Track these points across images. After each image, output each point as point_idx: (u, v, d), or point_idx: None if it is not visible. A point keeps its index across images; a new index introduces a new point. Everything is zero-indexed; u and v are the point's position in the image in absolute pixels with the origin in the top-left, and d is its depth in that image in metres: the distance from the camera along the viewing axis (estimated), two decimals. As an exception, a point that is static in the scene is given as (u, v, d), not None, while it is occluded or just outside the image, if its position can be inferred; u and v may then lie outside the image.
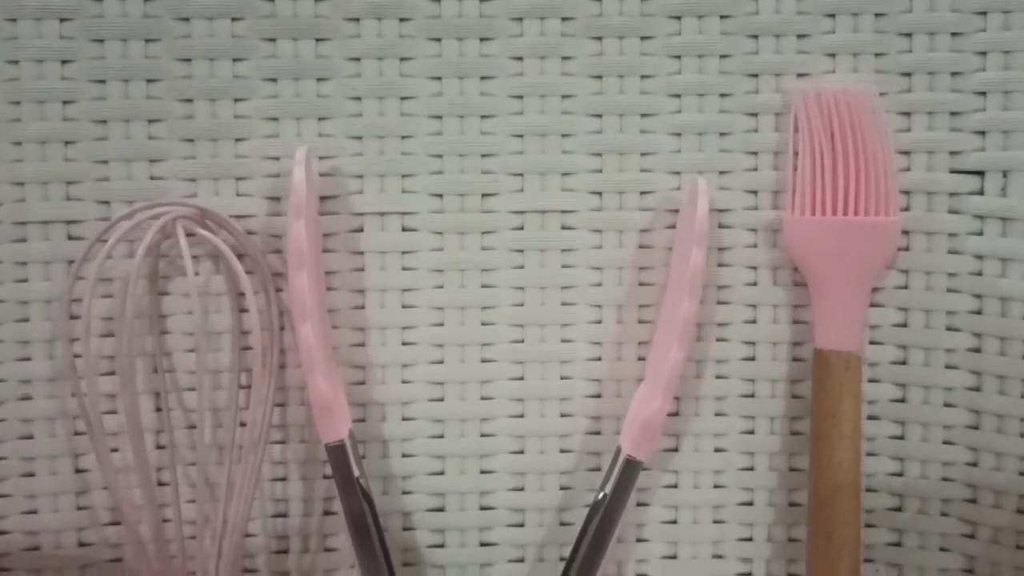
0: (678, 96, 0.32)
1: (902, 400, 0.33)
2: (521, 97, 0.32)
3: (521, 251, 0.33)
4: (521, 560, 0.34)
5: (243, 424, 0.32)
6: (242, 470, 0.32)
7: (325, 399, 0.30)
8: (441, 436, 0.33)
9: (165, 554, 0.32)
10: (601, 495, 0.32)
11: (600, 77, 0.32)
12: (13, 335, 0.31)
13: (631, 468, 0.31)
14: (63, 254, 0.31)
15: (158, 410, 0.32)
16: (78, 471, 0.32)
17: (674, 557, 0.34)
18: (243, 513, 0.32)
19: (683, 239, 0.32)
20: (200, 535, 0.32)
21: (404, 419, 0.33)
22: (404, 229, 0.32)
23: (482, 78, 0.32)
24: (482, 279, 0.33)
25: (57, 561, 0.32)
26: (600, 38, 0.32)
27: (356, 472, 0.31)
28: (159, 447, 0.32)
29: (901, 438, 0.33)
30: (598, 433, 0.33)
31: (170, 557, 0.32)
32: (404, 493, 0.33)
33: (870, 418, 0.33)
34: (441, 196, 0.32)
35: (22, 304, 0.31)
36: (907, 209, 0.32)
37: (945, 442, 0.33)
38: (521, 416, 0.33)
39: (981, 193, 0.32)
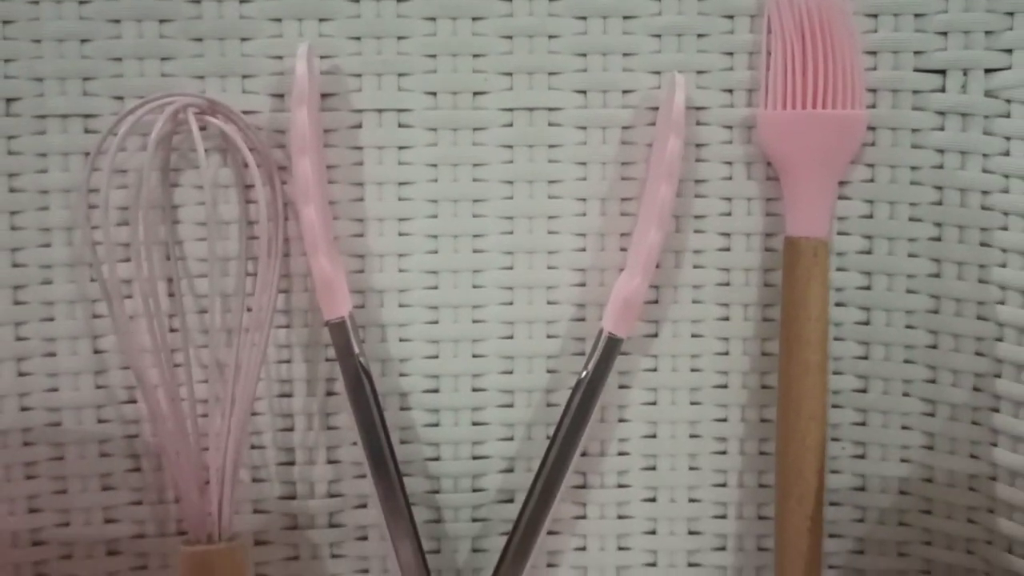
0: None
1: (867, 287, 0.35)
2: (510, 0, 0.34)
3: (511, 147, 0.35)
4: (511, 439, 0.36)
5: (250, 309, 0.34)
6: (249, 352, 0.34)
7: (327, 277, 0.32)
8: (436, 322, 0.35)
9: (181, 430, 0.34)
10: (584, 374, 0.34)
11: (585, -20, 0.34)
12: (34, 223, 0.34)
13: (611, 345, 0.34)
14: (80, 146, 0.33)
15: (171, 295, 0.35)
16: (96, 352, 0.34)
17: (654, 436, 0.36)
18: (250, 392, 0.34)
19: (662, 133, 0.34)
20: (212, 413, 0.34)
21: (401, 306, 0.35)
22: (400, 125, 0.34)
23: (473, -19, 0.34)
24: (474, 174, 0.35)
25: (78, 436, 0.35)
26: (585, -57, 0.34)
27: (356, 350, 0.33)
28: (172, 331, 0.35)
29: (866, 323, 0.36)
30: (582, 320, 0.36)
31: (185, 433, 0.34)
32: (401, 375, 0.36)
33: (837, 304, 0.35)
34: (435, 94, 0.34)
35: (42, 194, 0.34)
36: (873, 106, 0.34)
37: (907, 326, 0.35)
38: (510, 303, 0.35)
39: (943, 91, 0.34)
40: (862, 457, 0.37)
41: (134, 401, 0.35)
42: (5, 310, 0.34)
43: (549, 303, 0.35)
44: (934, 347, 0.35)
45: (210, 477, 0.33)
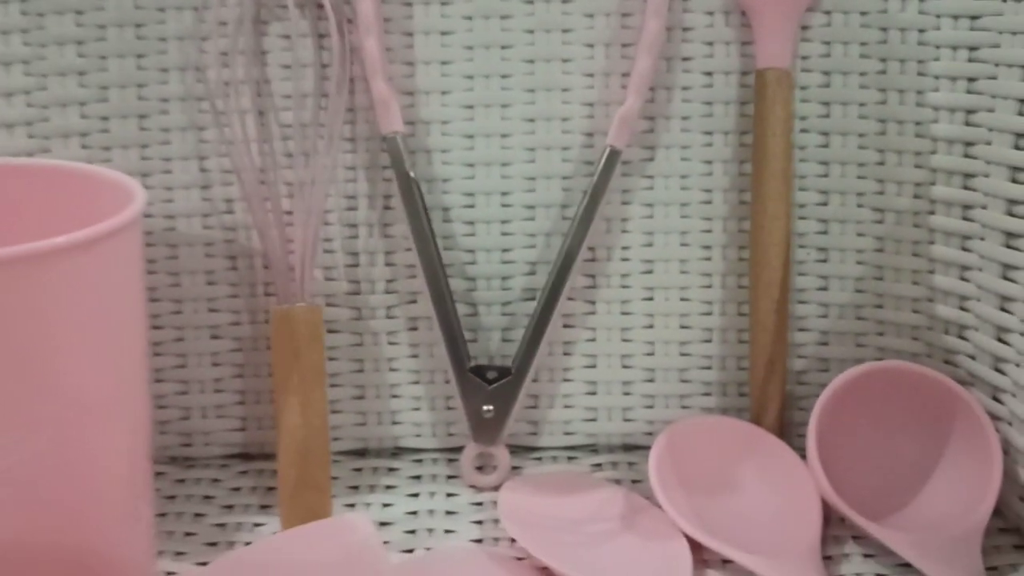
0: None
1: (826, 116, 0.43)
2: None
3: (531, 2, 0.42)
4: (533, 247, 0.44)
5: (322, 137, 0.43)
6: (323, 170, 0.42)
7: (384, 96, 0.40)
8: (471, 148, 0.44)
9: (275, 223, 0.42)
10: (590, 184, 0.42)
11: None
12: (155, 64, 0.42)
13: (612, 156, 0.41)
14: (191, 2, 0.42)
15: (259, 125, 0.43)
16: (202, 170, 0.43)
17: (650, 245, 0.44)
18: (321, 204, 0.42)
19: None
20: (293, 222, 0.43)
21: (443, 135, 0.43)
22: (443, -14, 0.43)
23: None
24: (501, 25, 0.42)
25: (187, 239, 0.44)
26: None
27: (408, 164, 0.41)
28: (261, 153, 0.43)
29: (826, 146, 0.43)
30: (591, 146, 0.43)
31: (278, 222, 0.43)
32: (443, 193, 0.44)
33: (801, 131, 0.43)
34: (470, -40, 0.42)
35: (161, 40, 0.42)
36: (829, -38, 0.42)
37: (860, 147, 0.43)
38: (532, 133, 0.43)
39: (887, -53, 0.41)
40: (824, 261, 0.44)
41: (232, 212, 0.44)
42: (130, 135, 0.43)
43: (564, 132, 0.43)
44: (882, 163, 0.42)
45: (295, 250, 0.42)
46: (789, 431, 0.45)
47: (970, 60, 0.40)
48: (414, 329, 0.45)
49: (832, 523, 0.41)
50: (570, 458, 0.46)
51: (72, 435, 0.31)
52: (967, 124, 0.40)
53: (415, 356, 0.45)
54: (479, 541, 0.41)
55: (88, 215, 0.32)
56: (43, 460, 0.30)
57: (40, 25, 0.41)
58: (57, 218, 0.34)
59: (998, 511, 0.40)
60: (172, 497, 0.44)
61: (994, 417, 0.40)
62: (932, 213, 0.42)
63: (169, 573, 0.38)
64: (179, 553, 0.40)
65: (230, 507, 0.43)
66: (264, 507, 0.43)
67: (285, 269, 0.42)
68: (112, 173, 0.36)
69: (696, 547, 0.38)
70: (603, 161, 0.42)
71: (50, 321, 0.29)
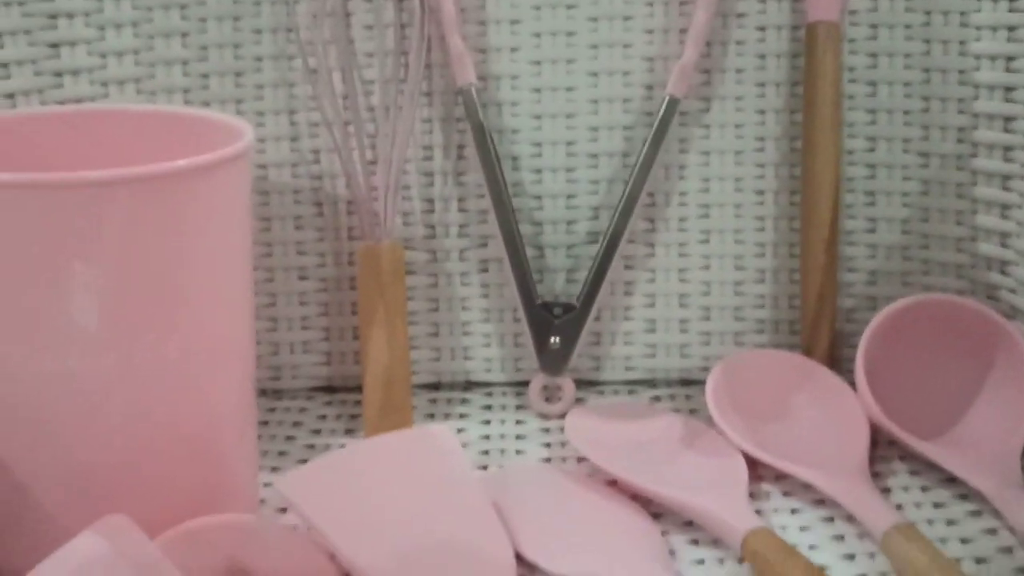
0: None
1: (873, 66, 0.45)
2: None
3: (595, -36, 0.46)
4: (596, 192, 0.48)
5: (402, 92, 0.46)
6: (404, 121, 0.45)
7: (460, 50, 0.44)
8: (539, 101, 0.47)
9: (356, 182, 0.46)
10: (650, 132, 0.45)
11: None
12: (249, 26, 0.46)
13: (671, 105, 0.44)
14: (283, -31, 0.46)
15: (344, 81, 0.46)
16: (291, 124, 0.47)
17: (707, 191, 0.47)
18: (402, 154, 0.46)
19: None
20: (377, 170, 0.46)
21: (513, 88, 0.47)
22: (513, -50, 0.46)
23: None
24: (568, -12, 0.46)
25: (278, 187, 0.47)
26: None
27: (481, 115, 0.45)
28: (346, 108, 0.47)
29: (873, 95, 0.46)
30: (651, 98, 0.46)
31: (359, 184, 0.46)
32: (512, 143, 0.47)
33: (850, 81, 0.46)
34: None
35: (256, 4, 0.46)
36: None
37: (905, 95, 0.45)
38: (596, 86, 0.47)
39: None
40: (872, 204, 0.47)
41: (318, 162, 0.47)
42: (227, 91, 0.46)
43: (625, 85, 0.46)
44: (926, 110, 0.45)
45: (379, 195, 0.45)
46: (839, 366, 0.47)
47: (1010, 10, 0.43)
48: (485, 271, 0.49)
49: (879, 446, 0.43)
50: (630, 392, 0.49)
51: (197, 343, 0.35)
52: (1008, 71, 0.43)
53: (486, 296, 0.49)
54: (547, 461, 0.44)
55: (205, 152, 0.36)
56: (172, 365, 0.34)
57: (148, -10, 0.46)
58: (178, 157, 0.37)
59: (1038, 434, 0.43)
60: (264, 423, 0.47)
61: (1034, 346, 0.42)
62: (974, 156, 0.44)
63: (267, 484, 0.42)
64: (274, 468, 0.44)
65: (317, 431, 0.47)
66: (349, 431, 0.47)
67: (369, 213, 0.46)
68: (223, 116, 0.40)
69: (752, 464, 0.41)
70: (663, 109, 0.45)
71: (181, 235, 0.33)
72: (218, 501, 0.37)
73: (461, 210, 0.48)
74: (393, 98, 0.46)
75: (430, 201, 0.48)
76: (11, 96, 0.43)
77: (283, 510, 0.40)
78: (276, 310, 0.49)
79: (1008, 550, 0.37)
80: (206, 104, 0.46)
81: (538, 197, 0.48)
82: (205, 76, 0.46)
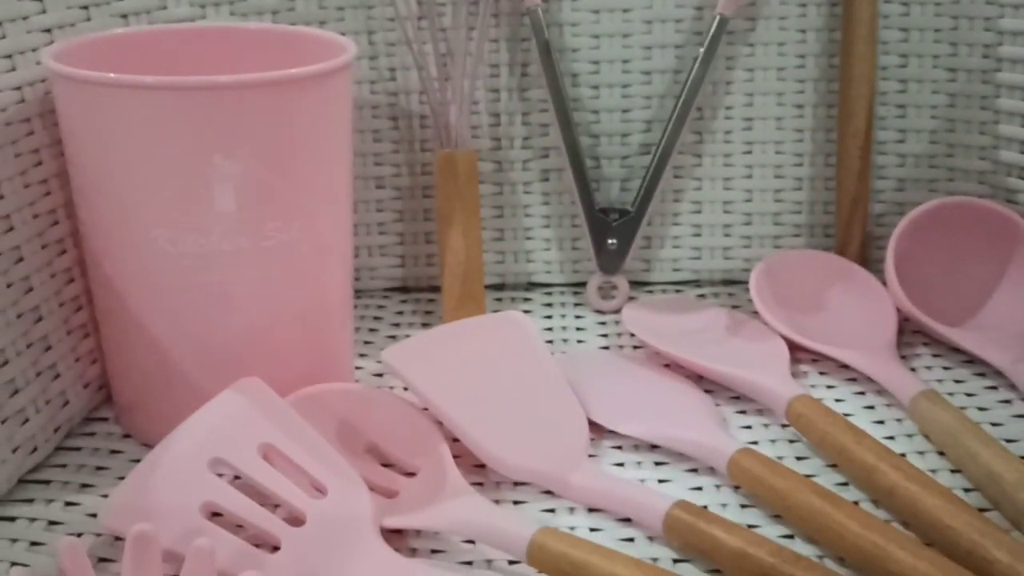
0: None
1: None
2: None
3: None
4: (649, 107, 0.52)
5: (472, 14, 0.50)
6: (475, 40, 0.49)
7: (530, -27, 0.48)
8: (597, 22, 0.51)
9: (433, 96, 0.50)
10: (701, 51, 0.49)
11: None
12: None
13: (721, 23, 0.48)
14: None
15: (419, 4, 0.50)
16: (370, 43, 0.51)
17: (750, 105, 0.51)
18: (474, 68, 0.50)
19: None
20: (450, 87, 0.50)
21: (573, 11, 0.51)
22: None
23: None
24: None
25: (358, 102, 0.52)
26: None
27: (546, 33, 0.49)
28: (421, 28, 0.51)
29: (906, 15, 0.50)
30: (701, 19, 0.50)
31: (434, 98, 0.50)
32: (572, 61, 0.51)
33: (886, 2, 0.49)
34: None
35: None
36: None
37: (936, 15, 0.49)
38: (650, 7, 0.50)
39: None
40: (903, 116, 0.51)
41: (395, 79, 0.52)
42: (312, 14, 0.50)
43: (677, 6, 0.50)
44: (955, 28, 0.49)
45: (450, 109, 0.49)
46: (869, 266, 0.52)
47: (1036, -65, 0.46)
48: (546, 180, 0.53)
49: (906, 334, 0.48)
50: (677, 291, 0.54)
51: (312, 231, 0.39)
52: (1032, -9, 0.47)
53: (546, 203, 0.53)
54: (606, 349, 0.49)
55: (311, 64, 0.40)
56: (292, 248, 0.39)
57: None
58: (289, 68, 0.41)
59: (1050, 323, 0.47)
60: (348, 318, 0.53)
61: (1048, 243, 0.47)
62: (999, 71, 0.48)
63: (358, 368, 0.47)
64: (362, 355, 0.49)
65: (396, 324, 0.52)
66: (424, 325, 0.52)
67: (443, 125, 0.50)
68: (327, 33, 0.44)
69: (791, 349, 0.46)
70: (713, 28, 0.49)
71: (302, 133, 0.38)
72: (325, 374, 0.42)
73: (524, 123, 0.52)
74: (464, 19, 0.50)
75: (496, 115, 0.53)
76: (124, 16, 0.47)
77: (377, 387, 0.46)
78: (357, 216, 0.53)
79: (1021, 416, 0.42)
80: (292, 24, 0.51)
81: (595, 111, 0.52)
82: (292, -1, 0.51)
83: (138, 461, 0.37)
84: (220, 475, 0.36)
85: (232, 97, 0.36)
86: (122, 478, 0.37)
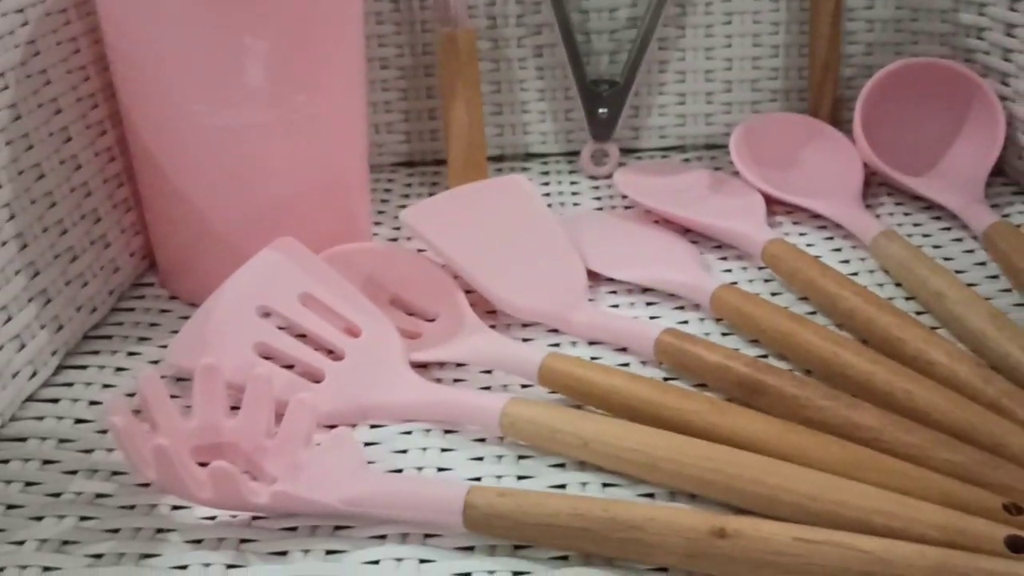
0: None
1: None
2: None
3: None
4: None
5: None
6: None
7: None
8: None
9: None
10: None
11: None
12: None
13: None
14: None
15: None
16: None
17: (729, -23, 0.55)
18: None
19: None
20: None
21: None
22: None
23: None
24: None
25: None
26: None
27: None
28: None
29: None
30: None
31: None
32: (562, -59, 0.54)
33: None
34: None
35: None
36: None
37: None
38: None
39: None
40: (871, -17, 0.54)
41: None
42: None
43: None
44: None
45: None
46: (840, 126, 0.56)
47: None
48: (539, 56, 0.57)
49: (872, 186, 0.53)
50: (664, 156, 0.59)
51: (334, 104, 0.44)
52: None
53: (541, 78, 0.57)
54: (600, 210, 0.54)
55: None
56: (318, 120, 0.43)
57: None
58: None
59: (1003, 171, 0.52)
60: (361, 191, 0.57)
61: (1002, 98, 0.51)
62: (959, -64, 0.52)
63: (374, 234, 0.52)
64: (376, 223, 0.53)
65: (406, 195, 0.56)
66: (432, 195, 0.56)
67: (443, 7, 0.53)
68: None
69: (768, 202, 0.51)
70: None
71: (322, 11, 0.41)
72: (348, 236, 0.47)
73: (518, 2, 0.56)
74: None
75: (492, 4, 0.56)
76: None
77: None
78: (363, 96, 0.57)
79: (971, 251, 0.47)
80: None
81: (585, 34, 0.56)
82: None
83: (186, 318, 0.42)
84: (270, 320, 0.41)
85: (256, -20, 0.39)
86: (175, 332, 0.42)
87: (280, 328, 0.41)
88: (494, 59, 0.57)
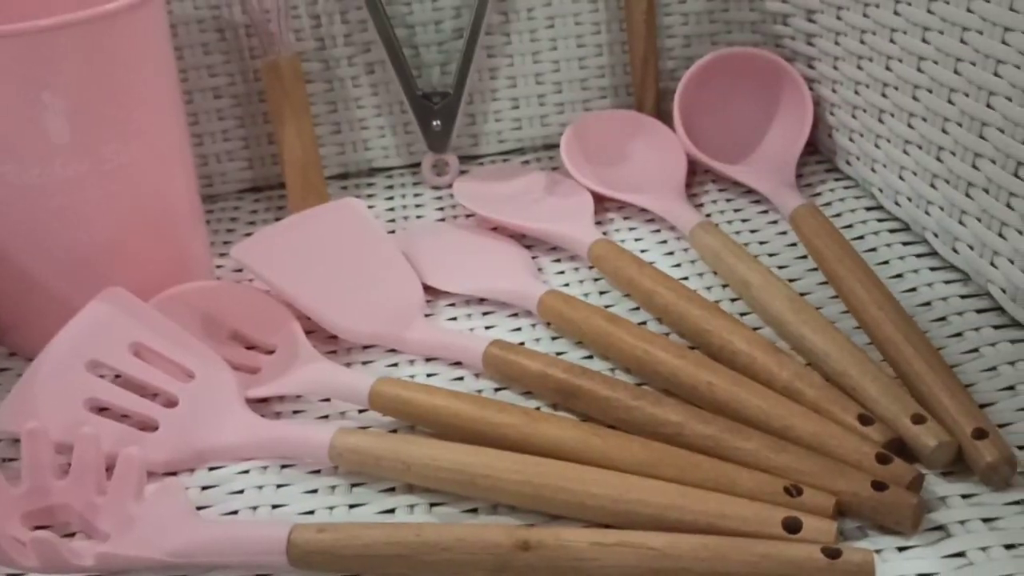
0: None
1: None
2: None
3: None
4: None
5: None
6: None
7: None
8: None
9: (251, 5, 0.53)
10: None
11: None
12: None
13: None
14: None
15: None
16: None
17: (547, -18, 0.56)
18: None
19: None
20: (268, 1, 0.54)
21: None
22: None
23: None
24: None
25: (183, 19, 0.55)
26: None
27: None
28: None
29: None
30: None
31: (254, 7, 0.53)
32: (380, -42, 0.55)
33: None
34: None
35: None
36: None
37: None
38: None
39: None
40: (681, -21, 0.56)
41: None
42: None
43: None
44: None
45: (271, 16, 0.53)
46: (665, 118, 0.58)
47: None
48: (372, 72, 0.57)
49: (698, 174, 0.55)
50: (504, 160, 0.60)
51: (149, 147, 0.44)
52: None
53: (375, 94, 0.58)
54: (442, 220, 0.55)
55: None
56: (132, 166, 0.43)
57: None
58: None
59: (815, 149, 0.55)
60: (207, 222, 0.57)
61: (808, 80, 0.53)
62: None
63: (219, 266, 0.52)
64: (222, 255, 0.54)
65: (252, 223, 0.57)
66: (278, 219, 0.56)
67: (266, 33, 0.53)
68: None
69: (599, 199, 0.53)
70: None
71: (121, 61, 0.42)
72: (185, 275, 0.47)
73: (344, 21, 0.56)
74: (270, -71, 0.53)
75: (316, 17, 0.56)
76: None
77: (236, 282, 0.51)
78: (200, 127, 0.57)
79: (784, 233, 0.49)
80: (106, -49, 0.53)
81: (407, 3, 0.56)
82: (101, -74, 0.53)
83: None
84: (102, 376, 0.41)
85: (48, 39, 0.39)
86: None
87: (117, 377, 0.42)
88: (327, 79, 0.58)
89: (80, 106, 0.41)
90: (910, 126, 0.46)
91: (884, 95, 0.47)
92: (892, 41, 0.46)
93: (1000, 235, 0.40)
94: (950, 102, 0.42)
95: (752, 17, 0.56)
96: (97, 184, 0.42)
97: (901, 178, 0.47)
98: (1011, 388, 0.38)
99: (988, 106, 0.40)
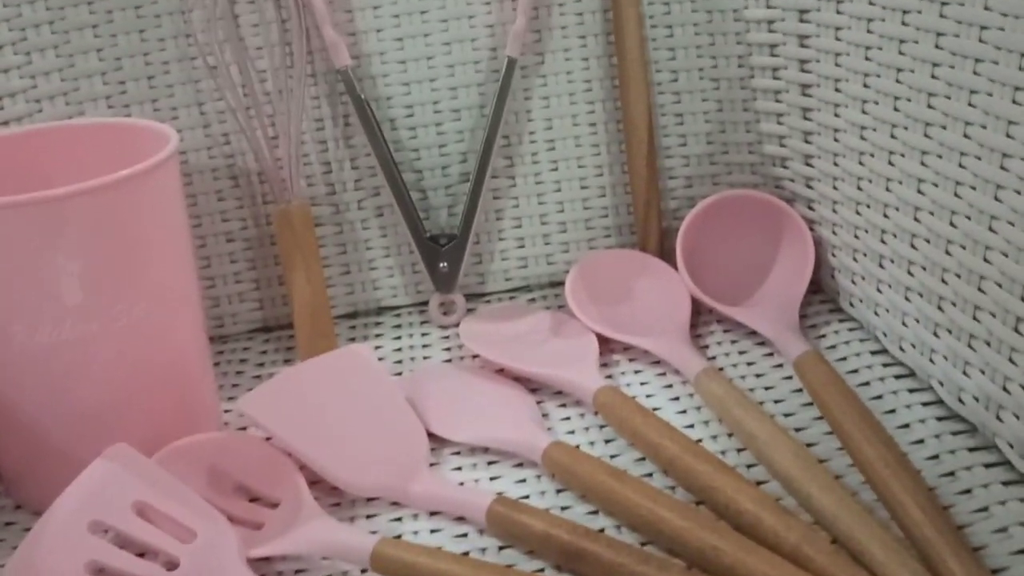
0: None
1: (668, 12, 0.56)
2: None
3: (435, -48, 0.55)
4: (462, 140, 0.58)
5: (291, 77, 0.55)
6: (295, 101, 0.54)
7: (332, 38, 0.53)
8: (405, 71, 0.56)
9: (263, 156, 0.55)
10: (497, 88, 0.55)
11: None
12: (154, 36, 0.54)
13: (511, 64, 0.55)
14: (174, -16, 0.54)
15: (241, 73, 0.55)
16: (201, 114, 0.56)
17: (550, 128, 0.58)
18: (298, 127, 0.55)
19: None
20: (279, 144, 0.55)
21: (382, 63, 0.56)
22: (365, -52, 0.55)
23: None
24: (415, -28, 0.55)
25: (198, 168, 0.56)
26: None
27: (359, 88, 0.54)
28: (245, 95, 0.55)
29: (671, 36, 0.56)
30: (496, 58, 0.56)
31: (265, 157, 0.55)
32: (388, 108, 0.57)
33: (652, 26, 0.56)
34: (384, -75, 0.54)
35: (156, 17, 0.54)
36: None
37: (696, 34, 0.56)
38: (450, 53, 0.57)
39: None
40: (681, 123, 0.58)
41: (229, 143, 0.56)
42: (143, 93, 0.55)
43: (474, 50, 0.57)
44: (712, 44, 0.56)
45: (283, 164, 0.55)
46: (668, 256, 0.59)
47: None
48: (380, 215, 0.59)
49: (702, 314, 0.56)
50: (511, 298, 0.61)
51: (158, 303, 0.45)
52: (768, 7, 0.54)
53: (384, 236, 0.59)
54: (448, 361, 0.55)
55: (137, 156, 0.45)
56: (142, 322, 0.44)
57: (62, 16, 0.53)
58: (117, 162, 0.46)
59: (819, 289, 0.55)
60: (217, 363, 0.58)
61: (809, 221, 0.54)
62: (752, 77, 0.56)
63: (227, 410, 0.52)
64: (231, 398, 0.54)
65: (261, 364, 0.57)
66: (287, 361, 0.57)
67: (278, 180, 0.55)
68: (149, 123, 0.49)
69: (604, 340, 0.53)
70: (504, 69, 0.55)
71: (133, 223, 0.43)
72: (192, 425, 0.47)
73: (354, 168, 0.58)
74: (284, 82, 0.55)
75: (327, 164, 0.58)
76: (-38, 123, 0.51)
77: (243, 428, 0.51)
78: (212, 270, 0.58)
79: (789, 378, 0.49)
80: (126, 106, 0.55)
81: (415, 149, 0.58)
82: (122, 83, 0.55)
83: (29, 529, 0.42)
84: (106, 531, 0.41)
85: (62, 206, 0.40)
86: (16, 547, 0.42)
87: (118, 538, 0.41)
88: (337, 223, 0.59)
89: (93, 269, 0.42)
90: (910, 273, 0.46)
91: (883, 241, 0.48)
92: (888, 190, 0.47)
93: (1004, 389, 0.40)
94: (948, 253, 0.43)
95: (751, 159, 0.58)
96: (107, 342, 0.43)
97: (904, 324, 0.47)
98: (1022, 552, 0.37)
99: (985, 260, 0.41)
